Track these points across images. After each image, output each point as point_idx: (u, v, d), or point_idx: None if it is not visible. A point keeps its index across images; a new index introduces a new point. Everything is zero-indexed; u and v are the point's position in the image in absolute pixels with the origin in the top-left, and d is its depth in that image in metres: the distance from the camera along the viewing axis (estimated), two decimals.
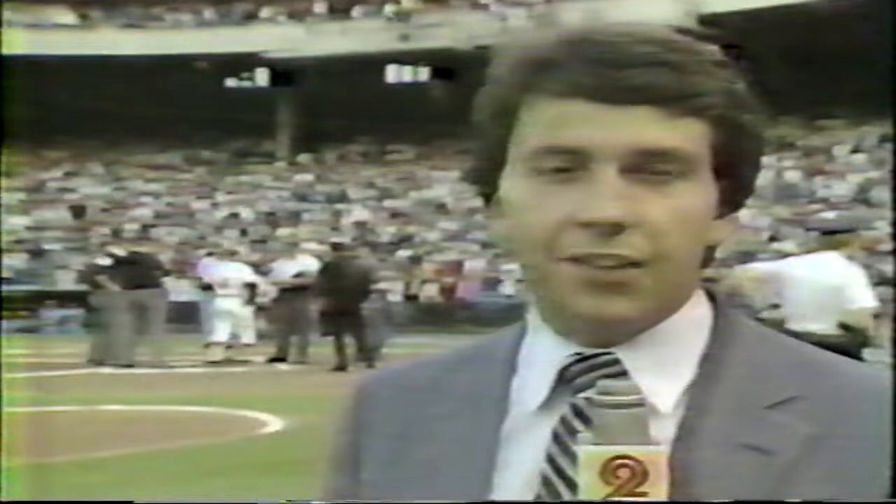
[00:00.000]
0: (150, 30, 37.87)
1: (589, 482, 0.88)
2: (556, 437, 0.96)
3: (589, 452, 0.89)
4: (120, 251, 16.60)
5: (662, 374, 0.96)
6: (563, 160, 0.94)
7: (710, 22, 32.53)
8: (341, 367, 14.67)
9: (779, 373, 0.97)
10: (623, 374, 0.96)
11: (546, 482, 0.95)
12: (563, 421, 0.96)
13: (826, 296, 6.80)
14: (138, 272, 15.17)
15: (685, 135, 0.94)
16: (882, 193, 28.13)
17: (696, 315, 0.99)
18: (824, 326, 6.61)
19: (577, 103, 0.94)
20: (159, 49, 35.91)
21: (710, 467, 0.92)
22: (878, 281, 23.75)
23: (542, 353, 1.00)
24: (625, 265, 0.93)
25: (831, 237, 7.15)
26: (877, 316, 7.41)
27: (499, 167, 0.99)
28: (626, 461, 0.88)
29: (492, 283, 27.67)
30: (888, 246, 25.19)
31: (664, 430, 0.93)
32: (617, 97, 0.93)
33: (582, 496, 0.89)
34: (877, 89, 26.51)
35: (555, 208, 0.94)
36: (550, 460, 0.95)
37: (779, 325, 6.84)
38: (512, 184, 0.97)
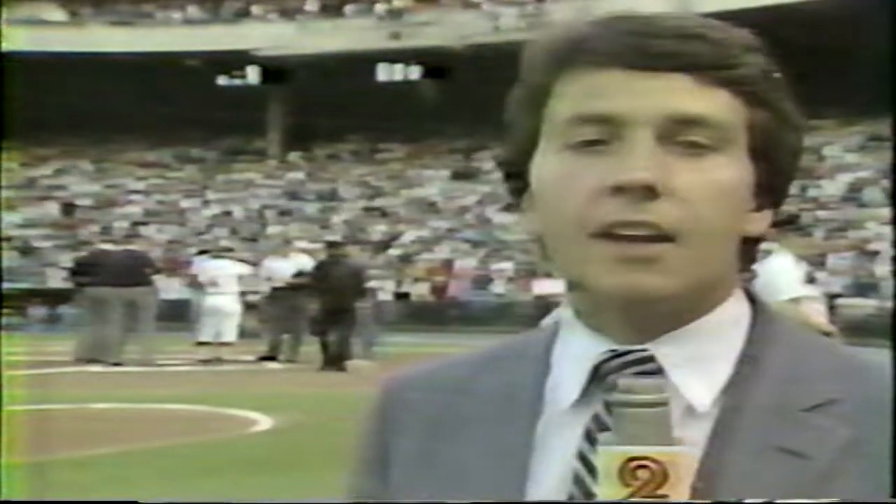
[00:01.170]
0: (141, 27, 37.81)
1: (608, 483, 0.87)
2: (588, 435, 0.94)
3: (608, 452, 0.87)
4: (110, 248, 16.54)
5: (699, 371, 0.94)
6: (597, 131, 0.93)
7: None
8: (326, 366, 14.68)
9: (817, 375, 0.95)
10: (658, 371, 0.94)
11: (577, 480, 0.93)
12: (596, 419, 0.94)
13: (765, 292, 7.03)
14: (129, 270, 15.13)
15: (720, 105, 0.93)
16: (872, 193, 28.22)
17: (734, 313, 0.97)
18: None
19: (612, 72, 0.93)
20: (149, 46, 35.86)
21: (745, 469, 0.91)
22: (866, 281, 23.85)
23: (576, 350, 0.98)
24: (655, 239, 0.91)
25: (781, 234, 7.33)
26: (832, 311, 7.53)
27: (531, 155, 0.97)
28: (645, 462, 0.86)
29: (483, 281, 27.69)
30: (878, 246, 25.26)
31: (700, 430, 0.92)
32: (651, 64, 0.92)
33: (601, 497, 0.87)
34: (866, 89, 26.58)
35: (587, 177, 0.92)
36: (582, 458, 0.93)
37: None
38: (544, 161, 0.96)
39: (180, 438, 8.82)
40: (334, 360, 14.78)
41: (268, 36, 36.01)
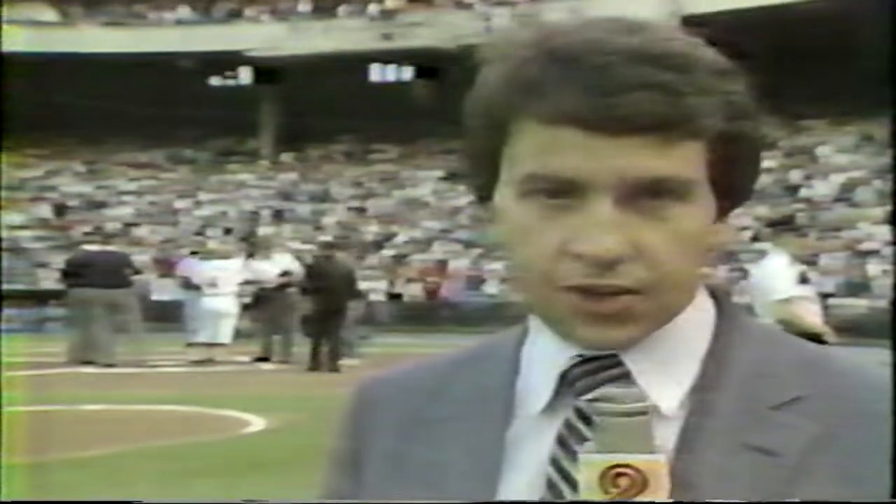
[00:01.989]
0: (133, 27, 37.76)
1: (589, 491, 0.87)
2: (561, 441, 0.94)
3: (589, 460, 0.88)
4: (95, 249, 16.47)
5: (665, 375, 0.95)
6: (557, 188, 0.91)
7: (694, 22, 32.64)
8: (314, 368, 14.66)
9: (783, 372, 0.95)
10: (625, 375, 0.95)
11: (551, 485, 0.93)
12: (568, 425, 0.95)
13: (759, 292, 7.16)
14: (109, 271, 15.09)
15: (681, 160, 0.91)
16: (865, 193, 28.27)
17: (698, 316, 0.98)
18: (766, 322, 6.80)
19: (568, 130, 0.90)
20: (142, 47, 35.82)
21: (714, 469, 0.91)
22: (858, 281, 23.90)
23: (544, 355, 0.98)
24: (623, 293, 0.91)
25: (776, 234, 7.40)
26: (825, 311, 7.59)
27: (492, 175, 0.96)
28: (626, 470, 0.87)
29: (476, 282, 27.70)
30: (871, 245, 25.31)
31: (668, 433, 0.92)
32: (609, 126, 0.89)
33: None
34: (859, 89, 26.63)
35: (549, 237, 0.91)
36: (555, 463, 0.94)
37: None
38: (506, 205, 0.94)
39: (174, 439, 8.81)
40: (327, 360, 14.78)
41: (260, 36, 35.99)
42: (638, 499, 0.86)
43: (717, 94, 0.92)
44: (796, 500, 0.90)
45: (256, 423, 9.70)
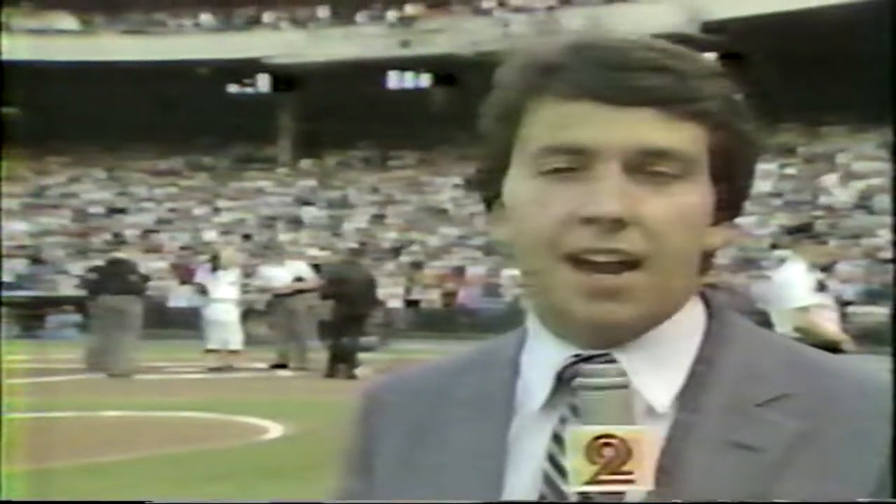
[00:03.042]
0: (152, 35, 37.90)
1: (576, 462, 0.92)
2: (556, 437, 0.99)
3: (575, 433, 0.93)
4: (121, 256, 16.59)
5: (658, 375, 0.99)
6: (567, 160, 0.97)
7: (713, 29, 32.59)
8: (331, 375, 14.66)
9: (770, 372, 1.00)
10: (620, 374, 0.99)
11: (548, 480, 0.98)
12: (563, 420, 0.99)
13: (777, 300, 7.16)
14: (117, 278, 15.17)
15: (685, 137, 0.98)
16: (884, 200, 28.12)
17: (690, 319, 1.02)
18: (783, 330, 6.81)
19: (582, 104, 0.97)
20: (161, 55, 35.94)
21: (701, 463, 0.95)
22: (877, 289, 23.74)
23: (543, 356, 1.02)
24: (623, 268, 0.96)
25: (795, 242, 7.38)
26: (843, 319, 7.56)
27: (503, 171, 1.02)
28: (610, 440, 0.92)
29: (493, 289, 27.67)
30: (889, 253, 25.18)
31: (660, 428, 0.97)
32: (620, 98, 0.96)
33: (570, 476, 0.93)
34: (879, 96, 26.51)
35: (558, 205, 0.97)
36: (551, 458, 0.98)
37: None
38: (516, 185, 1.00)
39: (191, 446, 8.83)
40: (344, 367, 14.78)
41: (279, 44, 36.07)
42: (623, 468, 0.91)
43: (716, 87, 1.00)
44: (780, 493, 0.93)
45: (274, 430, 9.71)
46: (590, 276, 0.96)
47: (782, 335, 1.08)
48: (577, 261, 0.96)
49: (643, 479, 0.92)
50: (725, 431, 0.97)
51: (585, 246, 0.96)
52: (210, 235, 32.69)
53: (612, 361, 0.99)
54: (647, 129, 0.96)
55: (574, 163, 0.97)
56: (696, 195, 0.98)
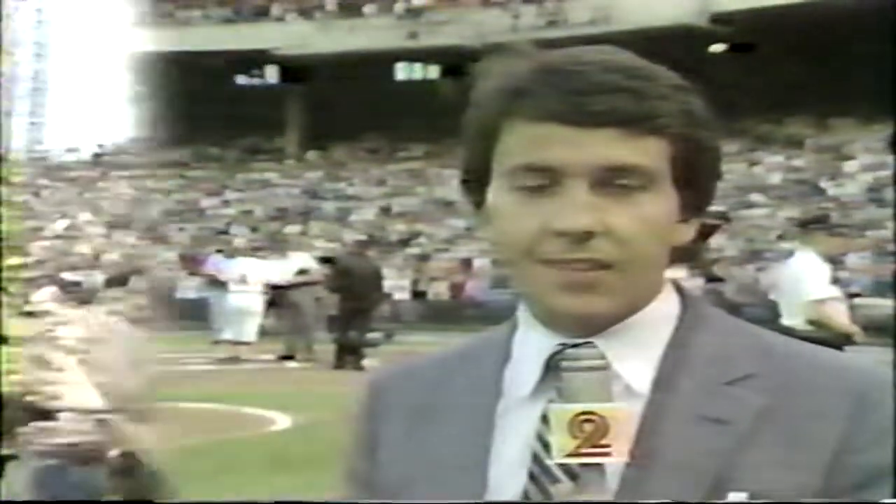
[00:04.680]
0: (161, 26, 37.90)
1: (558, 437, 1.01)
2: (544, 418, 1.08)
3: (557, 410, 1.02)
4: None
5: (635, 357, 1.10)
6: (539, 177, 1.07)
7: (722, 20, 32.47)
8: (339, 367, 14.66)
9: (738, 354, 1.10)
10: (602, 359, 1.09)
11: (535, 458, 1.08)
12: (551, 402, 1.08)
13: (790, 292, 7.06)
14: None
15: (646, 152, 1.07)
16: (892, 193, 28.01)
17: (665, 307, 1.13)
18: (795, 321, 6.77)
19: (549, 126, 1.07)
20: (169, 46, 35.93)
21: (674, 436, 1.06)
22: (886, 281, 23.69)
23: (532, 345, 1.13)
24: (595, 267, 1.06)
25: (806, 233, 7.31)
26: (852, 311, 7.49)
27: (485, 180, 1.12)
28: (590, 417, 1.01)
29: (501, 280, 27.65)
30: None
31: (638, 406, 1.07)
32: (583, 121, 1.06)
33: (553, 451, 1.02)
34: (888, 88, 26.41)
35: (533, 219, 1.07)
36: (540, 438, 1.08)
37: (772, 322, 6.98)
38: (496, 197, 1.11)
39: (199, 437, 8.84)
40: (352, 358, 14.78)
41: (287, 35, 36.05)
42: (602, 442, 1.00)
43: (674, 101, 1.09)
44: (747, 462, 1.03)
45: (282, 421, 9.73)
46: (564, 272, 1.06)
47: (749, 323, 1.16)
48: (553, 261, 1.07)
49: (620, 452, 1.01)
50: (696, 407, 1.07)
51: (559, 256, 1.06)
52: (218, 226, 32.71)
53: (596, 349, 1.09)
54: (610, 147, 1.06)
55: (545, 180, 1.07)
56: (660, 203, 1.08)
